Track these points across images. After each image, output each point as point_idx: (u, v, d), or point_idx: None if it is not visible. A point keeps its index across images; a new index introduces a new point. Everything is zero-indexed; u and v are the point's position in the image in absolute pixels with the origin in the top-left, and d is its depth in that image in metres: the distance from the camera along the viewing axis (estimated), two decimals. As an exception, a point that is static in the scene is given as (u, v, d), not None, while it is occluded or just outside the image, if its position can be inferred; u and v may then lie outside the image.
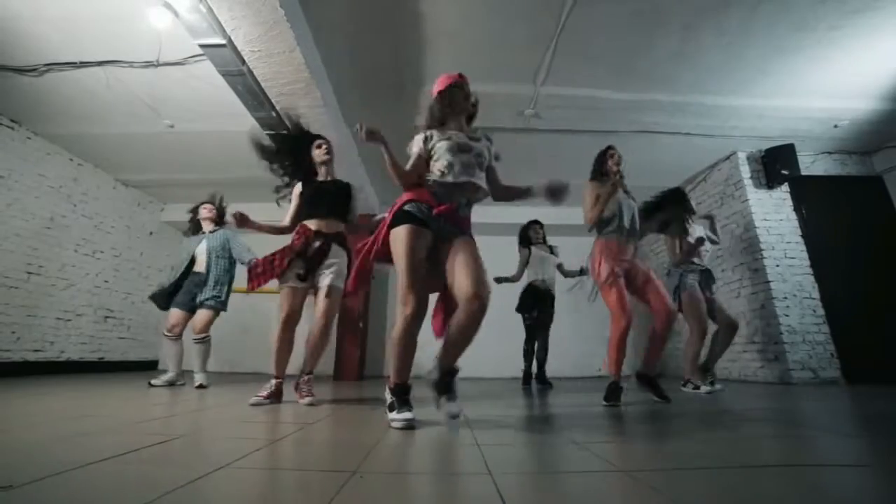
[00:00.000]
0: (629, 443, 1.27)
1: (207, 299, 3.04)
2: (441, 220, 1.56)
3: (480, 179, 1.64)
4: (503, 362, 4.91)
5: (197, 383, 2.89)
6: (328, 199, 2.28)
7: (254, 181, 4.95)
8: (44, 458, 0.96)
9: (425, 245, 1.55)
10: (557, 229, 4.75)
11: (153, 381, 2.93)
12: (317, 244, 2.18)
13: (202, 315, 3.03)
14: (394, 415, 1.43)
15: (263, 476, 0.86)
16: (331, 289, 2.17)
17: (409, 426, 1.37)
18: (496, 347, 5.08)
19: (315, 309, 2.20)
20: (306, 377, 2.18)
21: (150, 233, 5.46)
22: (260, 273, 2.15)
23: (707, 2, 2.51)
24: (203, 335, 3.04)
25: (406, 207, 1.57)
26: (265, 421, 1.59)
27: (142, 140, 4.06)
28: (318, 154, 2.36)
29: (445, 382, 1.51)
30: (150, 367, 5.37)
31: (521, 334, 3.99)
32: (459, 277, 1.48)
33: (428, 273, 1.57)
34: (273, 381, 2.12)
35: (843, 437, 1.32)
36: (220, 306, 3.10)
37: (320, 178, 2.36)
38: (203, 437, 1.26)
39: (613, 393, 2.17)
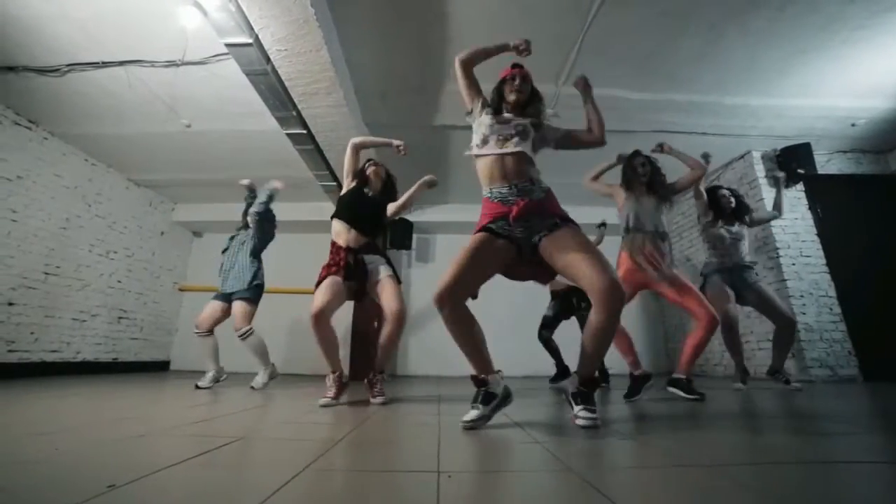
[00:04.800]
0: (682, 438, 1.27)
1: (236, 292, 2.97)
2: (522, 221, 1.51)
3: (520, 146, 1.55)
4: (518, 360, 4.92)
5: (250, 384, 2.78)
6: (358, 209, 2.33)
7: (266, 180, 4.97)
8: (124, 458, 0.97)
9: (497, 252, 1.51)
10: (582, 228, 4.72)
11: (199, 384, 2.83)
12: (351, 261, 2.22)
13: (236, 308, 2.93)
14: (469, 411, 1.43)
15: (353, 477, 0.87)
16: (388, 279, 2.25)
17: (469, 427, 1.37)
18: (512, 346, 5.10)
19: (383, 305, 2.21)
20: (379, 376, 2.24)
21: (162, 233, 5.45)
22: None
23: (734, 3, 2.52)
24: (243, 329, 2.89)
25: (486, 224, 1.55)
26: (312, 422, 1.59)
27: (157, 140, 4.06)
28: (369, 169, 2.47)
29: (585, 392, 1.45)
30: (162, 367, 5.36)
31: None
32: (585, 271, 1.38)
33: (531, 266, 1.57)
34: (331, 377, 2.14)
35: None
36: (248, 295, 2.97)
37: (369, 189, 2.43)
38: (263, 439, 1.26)
39: (632, 387, 2.28)
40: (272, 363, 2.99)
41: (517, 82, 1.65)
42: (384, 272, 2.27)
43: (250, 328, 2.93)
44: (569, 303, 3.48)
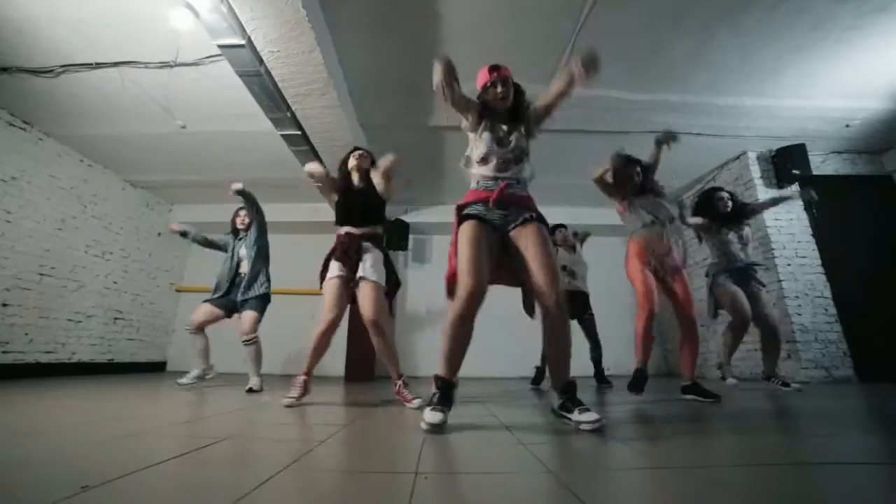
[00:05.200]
0: (672, 440, 1.27)
1: (249, 299, 2.97)
2: (501, 206, 1.58)
3: (515, 172, 1.64)
4: (515, 362, 4.93)
5: (248, 387, 2.77)
6: (358, 208, 2.31)
7: (263, 182, 4.97)
8: (104, 459, 0.97)
9: (489, 238, 1.54)
10: (580, 228, 4.69)
11: (180, 381, 2.85)
12: (352, 245, 2.21)
13: (249, 316, 2.93)
14: (426, 412, 1.38)
15: (330, 478, 0.86)
16: (369, 284, 2.13)
17: (434, 431, 1.33)
18: (508, 347, 5.11)
19: (360, 307, 2.15)
20: (399, 382, 2.17)
21: (158, 234, 5.45)
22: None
23: (726, 2, 2.52)
24: (250, 336, 2.91)
25: (466, 211, 1.61)
26: (301, 422, 1.59)
27: (152, 141, 4.06)
28: (351, 161, 2.40)
29: (568, 398, 1.46)
30: (158, 368, 5.36)
31: (533, 334, 3.98)
32: (540, 277, 1.44)
33: (500, 268, 1.60)
34: (301, 378, 2.09)
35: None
36: (261, 305, 3.00)
37: (354, 184, 2.38)
38: (248, 439, 1.26)
39: (638, 381, 2.27)
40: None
41: (500, 89, 1.65)
42: (371, 272, 2.16)
43: (256, 335, 2.95)
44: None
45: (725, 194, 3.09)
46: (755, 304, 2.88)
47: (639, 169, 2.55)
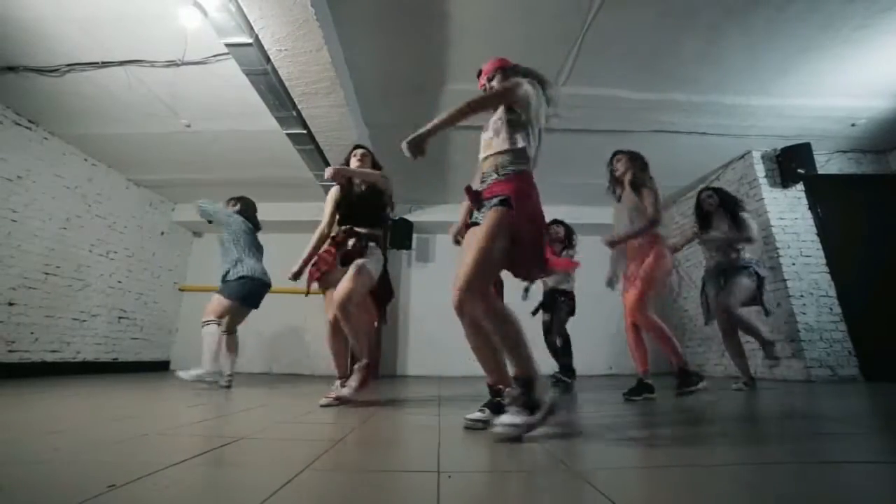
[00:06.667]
0: (682, 438, 1.27)
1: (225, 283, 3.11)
2: (478, 209, 1.48)
3: (490, 148, 1.53)
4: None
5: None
6: (358, 209, 2.32)
7: (266, 180, 4.97)
8: (124, 458, 0.97)
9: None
10: (582, 228, 4.67)
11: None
12: (352, 241, 2.21)
13: (212, 298, 3.08)
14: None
15: (354, 477, 0.86)
16: (358, 267, 2.11)
17: (468, 426, 1.39)
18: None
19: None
20: (354, 366, 2.20)
21: (162, 233, 5.45)
22: (309, 276, 2.23)
23: (735, 2, 2.51)
24: (204, 319, 2.97)
25: (472, 219, 1.56)
26: (312, 422, 1.59)
27: (157, 140, 4.05)
28: (352, 161, 2.41)
29: (526, 397, 1.33)
30: (162, 367, 5.36)
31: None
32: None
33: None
34: (338, 382, 2.17)
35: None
36: (222, 289, 3.09)
37: (356, 185, 2.37)
38: (263, 439, 1.26)
39: (635, 389, 2.30)
40: (215, 372, 2.90)
41: (482, 81, 1.73)
42: (363, 261, 2.15)
43: (211, 320, 2.96)
44: (551, 301, 3.47)
45: (707, 192, 3.12)
46: (725, 297, 2.88)
47: (618, 158, 2.62)
